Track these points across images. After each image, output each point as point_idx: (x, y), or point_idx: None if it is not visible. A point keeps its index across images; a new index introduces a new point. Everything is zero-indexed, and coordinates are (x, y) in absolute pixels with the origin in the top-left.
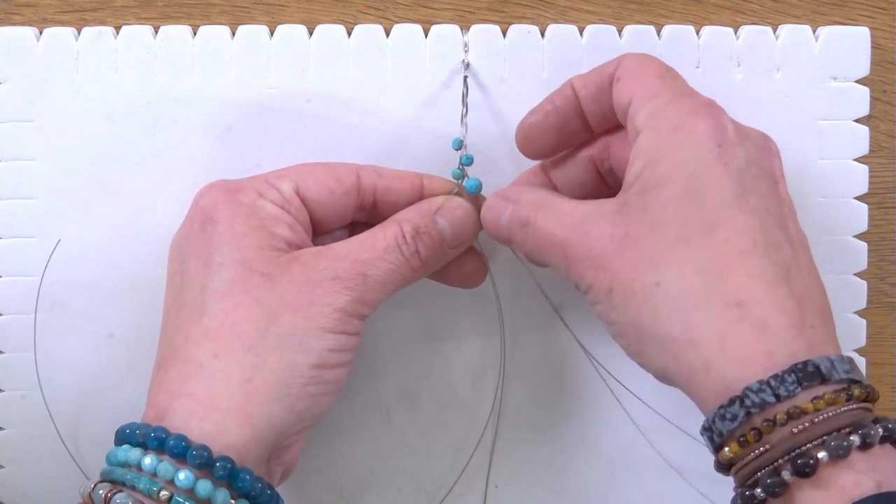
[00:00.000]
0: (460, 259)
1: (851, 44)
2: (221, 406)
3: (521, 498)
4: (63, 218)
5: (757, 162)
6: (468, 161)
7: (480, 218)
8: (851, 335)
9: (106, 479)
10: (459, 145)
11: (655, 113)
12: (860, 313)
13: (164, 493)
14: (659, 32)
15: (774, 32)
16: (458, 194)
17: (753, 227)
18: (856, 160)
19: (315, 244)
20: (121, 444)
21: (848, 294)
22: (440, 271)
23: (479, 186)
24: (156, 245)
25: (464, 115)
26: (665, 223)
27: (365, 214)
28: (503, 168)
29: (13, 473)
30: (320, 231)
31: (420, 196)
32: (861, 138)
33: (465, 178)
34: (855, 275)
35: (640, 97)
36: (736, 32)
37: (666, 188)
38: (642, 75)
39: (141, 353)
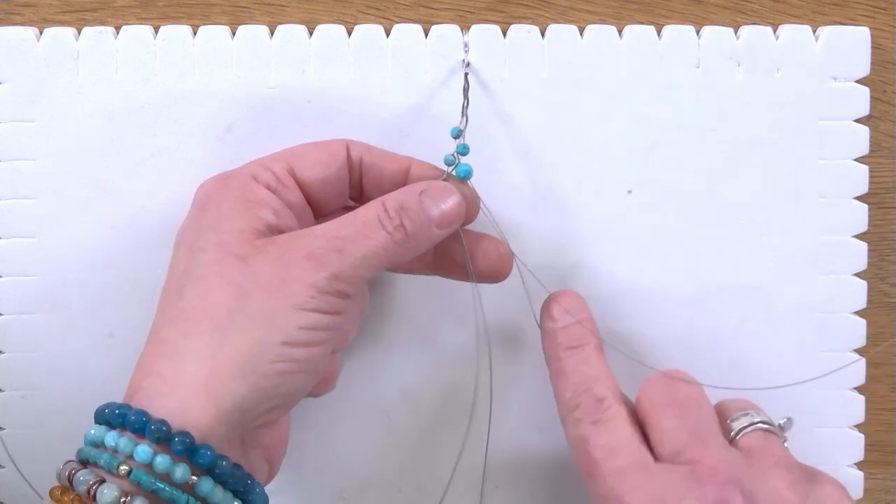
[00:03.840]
0: (484, 248)
1: (851, 44)
2: (186, 383)
3: (521, 498)
4: (63, 218)
5: None
6: (464, 150)
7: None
8: (851, 335)
9: (77, 458)
10: (458, 134)
11: None
12: (860, 313)
13: (123, 468)
14: (659, 32)
15: (774, 32)
16: (447, 181)
17: None
18: (856, 160)
19: None
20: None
21: (848, 294)
22: (469, 262)
23: (470, 172)
24: (156, 245)
25: (465, 107)
26: None
27: (357, 193)
28: (503, 168)
29: (13, 473)
30: (319, 214)
31: (405, 178)
32: (861, 138)
33: (457, 165)
34: (855, 275)
35: None
36: (736, 32)
37: None
38: None
39: None
